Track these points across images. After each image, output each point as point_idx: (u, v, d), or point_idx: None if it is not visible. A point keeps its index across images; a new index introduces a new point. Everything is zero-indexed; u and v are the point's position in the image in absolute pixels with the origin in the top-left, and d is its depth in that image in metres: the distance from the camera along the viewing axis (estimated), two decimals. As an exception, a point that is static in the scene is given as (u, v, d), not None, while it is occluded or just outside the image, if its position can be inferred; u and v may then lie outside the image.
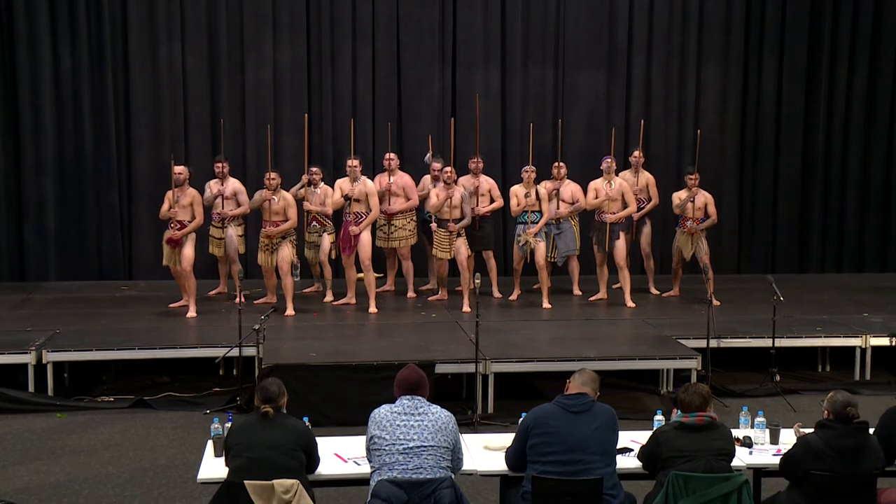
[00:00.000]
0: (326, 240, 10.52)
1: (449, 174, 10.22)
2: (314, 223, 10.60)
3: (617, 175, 10.74)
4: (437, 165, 10.83)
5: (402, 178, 10.65)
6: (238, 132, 12.30)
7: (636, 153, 11.08)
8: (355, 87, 12.56)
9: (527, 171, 10.49)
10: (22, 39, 11.92)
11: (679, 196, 10.68)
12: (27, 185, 12.14)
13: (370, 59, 12.55)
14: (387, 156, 10.65)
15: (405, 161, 11.74)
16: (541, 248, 10.43)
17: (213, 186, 10.50)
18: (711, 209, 10.64)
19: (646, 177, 11.07)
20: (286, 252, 9.94)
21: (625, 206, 10.60)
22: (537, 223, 10.41)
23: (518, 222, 10.61)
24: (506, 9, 12.69)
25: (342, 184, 10.31)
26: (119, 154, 12.22)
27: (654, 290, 11.21)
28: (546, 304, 10.43)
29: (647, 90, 13.04)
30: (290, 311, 9.88)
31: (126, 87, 12.18)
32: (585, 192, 10.66)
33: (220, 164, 10.45)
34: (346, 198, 10.10)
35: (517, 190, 10.51)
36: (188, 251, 9.87)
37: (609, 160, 10.67)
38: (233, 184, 10.48)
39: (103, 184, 12.21)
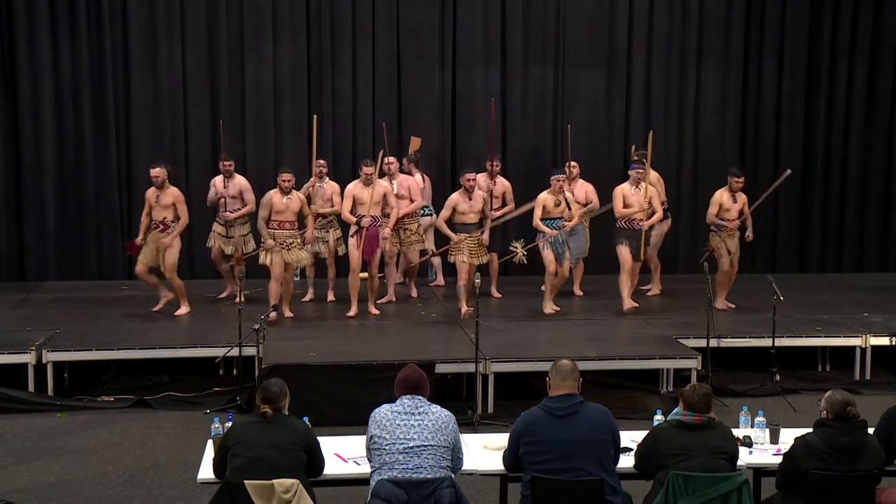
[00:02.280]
0: (332, 236, 10.47)
1: (472, 182, 9.94)
2: (319, 218, 10.47)
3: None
4: (391, 159, 10.50)
5: (407, 181, 10.58)
6: (238, 132, 12.29)
7: (640, 170, 10.28)
8: (355, 88, 12.55)
9: (558, 179, 9.89)
10: (22, 39, 11.92)
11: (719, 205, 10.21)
12: (27, 185, 12.14)
13: (370, 59, 12.55)
14: (386, 160, 10.48)
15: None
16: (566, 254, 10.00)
17: (217, 185, 10.46)
18: (746, 209, 10.31)
19: (651, 191, 10.67)
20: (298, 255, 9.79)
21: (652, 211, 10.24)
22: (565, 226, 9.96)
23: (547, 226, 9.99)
24: (506, 9, 12.69)
25: (354, 189, 9.77)
26: (119, 154, 12.21)
27: (654, 291, 11.19)
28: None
29: (647, 90, 13.04)
30: (287, 314, 9.82)
31: (126, 87, 12.18)
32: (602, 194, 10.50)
33: (225, 163, 10.42)
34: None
35: (545, 198, 9.87)
36: (171, 256, 9.65)
37: (640, 170, 10.13)
38: (238, 182, 10.40)
39: (103, 184, 12.21)
